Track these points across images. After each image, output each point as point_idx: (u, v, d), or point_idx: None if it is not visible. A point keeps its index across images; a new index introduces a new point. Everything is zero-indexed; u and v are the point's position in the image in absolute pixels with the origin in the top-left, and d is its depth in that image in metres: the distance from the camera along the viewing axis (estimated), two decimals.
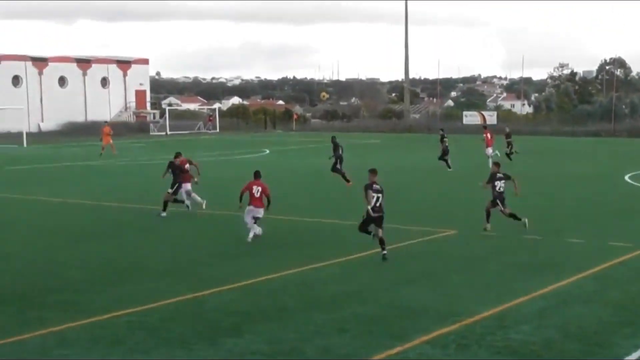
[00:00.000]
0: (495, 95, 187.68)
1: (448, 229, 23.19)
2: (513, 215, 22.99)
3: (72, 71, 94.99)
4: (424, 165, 44.39)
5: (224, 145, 65.97)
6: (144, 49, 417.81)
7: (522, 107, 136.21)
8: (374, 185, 19.75)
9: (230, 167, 45.94)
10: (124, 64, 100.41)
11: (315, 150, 60.84)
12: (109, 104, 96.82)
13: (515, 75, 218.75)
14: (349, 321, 13.88)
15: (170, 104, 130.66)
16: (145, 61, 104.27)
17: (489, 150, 45.25)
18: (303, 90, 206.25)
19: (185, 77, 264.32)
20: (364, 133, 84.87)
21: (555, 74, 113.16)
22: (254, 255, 19.92)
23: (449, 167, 42.06)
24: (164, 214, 26.18)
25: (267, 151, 59.08)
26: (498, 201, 22.97)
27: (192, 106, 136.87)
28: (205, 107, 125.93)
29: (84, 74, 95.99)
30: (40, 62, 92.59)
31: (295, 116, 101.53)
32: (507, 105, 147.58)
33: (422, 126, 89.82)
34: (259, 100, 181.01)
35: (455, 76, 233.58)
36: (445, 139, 43.65)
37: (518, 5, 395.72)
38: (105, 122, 64.68)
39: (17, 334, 13.11)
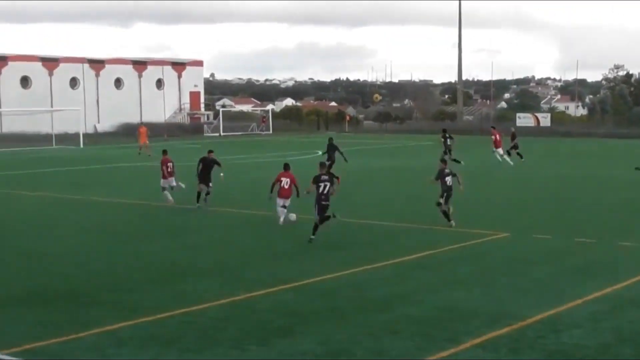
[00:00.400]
0: (549, 97, 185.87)
1: (500, 232, 23.04)
2: (446, 214, 24.09)
3: (128, 73, 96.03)
4: (476, 167, 44.12)
5: (276, 146, 66.17)
6: (199, 51, 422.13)
7: (576, 109, 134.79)
8: (322, 177, 22.28)
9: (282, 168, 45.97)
10: (179, 66, 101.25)
11: (367, 151, 60.80)
12: (163, 105, 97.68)
13: (570, 76, 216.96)
14: (400, 323, 13.87)
15: (224, 105, 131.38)
16: (199, 63, 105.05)
17: (500, 151, 45.74)
18: (356, 92, 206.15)
19: (239, 79, 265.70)
20: (416, 135, 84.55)
21: (610, 75, 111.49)
22: (306, 256, 19.99)
23: (459, 162, 43.31)
24: (197, 205, 28.44)
25: (320, 152, 59.09)
26: (445, 195, 24.22)
27: (246, 107, 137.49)
28: (259, 108, 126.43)
29: (140, 76, 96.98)
30: (97, 64, 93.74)
31: (347, 118, 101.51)
32: (561, 107, 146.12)
33: (475, 128, 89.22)
34: (312, 101, 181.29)
35: (509, 78, 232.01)
36: (448, 138, 45.49)
37: (574, 6, 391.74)
38: (141, 122, 65.25)
39: (73, 332, 13.30)
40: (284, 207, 24.57)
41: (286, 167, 25.27)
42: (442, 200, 23.89)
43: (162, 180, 30.11)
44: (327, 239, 22.50)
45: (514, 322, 13.77)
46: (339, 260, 19.23)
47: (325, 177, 22.33)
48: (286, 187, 24.64)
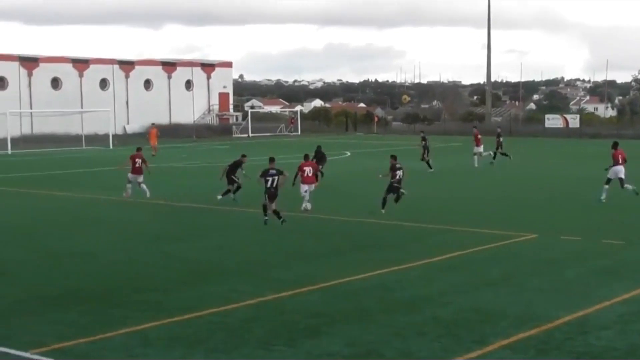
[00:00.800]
0: (578, 98, 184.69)
1: (528, 233, 22.94)
2: (385, 202, 27.44)
3: (157, 74, 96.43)
4: (504, 168, 43.97)
5: (305, 147, 66.09)
6: (228, 52, 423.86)
7: (605, 111, 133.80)
8: (270, 171, 25.01)
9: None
10: (208, 67, 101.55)
11: (395, 153, 60.67)
12: (192, 106, 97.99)
13: (599, 78, 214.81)
14: (428, 324, 13.85)
15: (252, 107, 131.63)
16: (228, 64, 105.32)
17: (479, 149, 46.87)
18: (384, 93, 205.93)
19: (268, 80, 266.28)
20: (445, 136, 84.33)
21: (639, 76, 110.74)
22: (333, 257, 20.00)
23: (430, 168, 43.99)
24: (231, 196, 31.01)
25: (348, 153, 59.17)
26: (395, 186, 27.69)
27: (274, 109, 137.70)
28: (287, 109, 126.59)
29: (169, 77, 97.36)
30: (127, 65, 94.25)
31: (376, 119, 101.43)
32: (590, 108, 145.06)
33: (504, 129, 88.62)
34: (340, 102, 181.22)
35: (538, 79, 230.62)
36: (425, 140, 46.73)
37: (603, 6, 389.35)
38: (153, 123, 65.96)
39: (101, 332, 13.40)
40: (306, 192, 28.32)
41: (306, 157, 29.93)
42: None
43: (129, 175, 32.73)
44: (355, 240, 22.53)
45: (542, 324, 13.71)
46: (367, 261, 19.23)
47: (274, 172, 25.02)
48: (310, 174, 28.77)
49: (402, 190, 28.27)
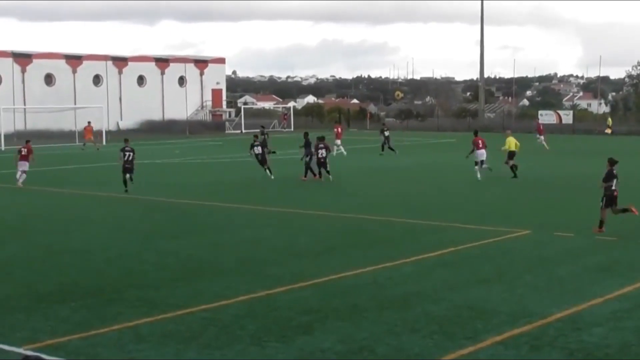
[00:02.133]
0: (571, 94, 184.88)
1: (521, 229, 22.98)
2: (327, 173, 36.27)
3: (150, 70, 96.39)
4: (498, 165, 43.95)
5: (297, 143, 66.12)
6: (223, 48, 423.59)
7: (598, 107, 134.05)
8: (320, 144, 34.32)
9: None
10: (201, 63, 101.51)
11: (388, 149, 60.72)
12: (185, 102, 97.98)
13: (593, 74, 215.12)
14: (420, 321, 13.87)
15: (245, 103, 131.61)
16: (221, 60, 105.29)
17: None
18: (377, 89, 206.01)
19: (261, 76, 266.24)
20: (438, 132, 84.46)
21: (633, 72, 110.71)
22: (326, 254, 20.02)
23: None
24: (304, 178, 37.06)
25: (381, 152, 59.11)
26: (323, 164, 36.03)
27: (268, 105, 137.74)
28: (280, 105, 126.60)
29: (162, 73, 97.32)
30: (120, 61, 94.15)
31: (369, 115, 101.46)
32: (583, 104, 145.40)
33: (497, 125, 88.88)
34: (333, 99, 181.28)
35: (531, 75, 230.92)
36: (385, 131, 52.80)
37: (597, 3, 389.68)
38: (89, 122, 66.94)
39: (94, 328, 13.40)
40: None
41: (321, 138, 37.36)
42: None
43: (19, 162, 36.29)
44: (350, 236, 22.55)
45: (534, 320, 13.74)
46: (360, 258, 19.24)
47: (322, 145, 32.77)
48: (324, 154, 36.53)
49: (328, 168, 36.43)
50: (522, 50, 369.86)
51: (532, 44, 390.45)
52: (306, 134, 40.20)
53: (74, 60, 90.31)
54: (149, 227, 24.50)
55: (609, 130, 79.32)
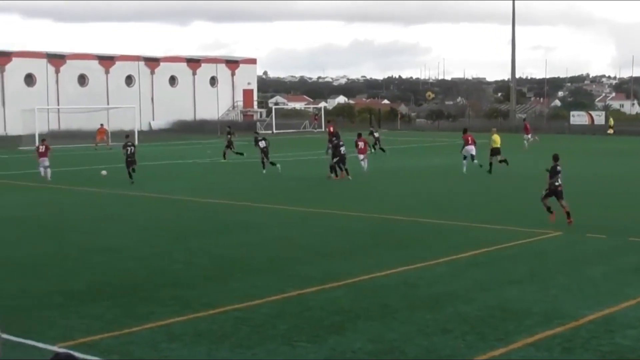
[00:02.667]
0: (604, 94, 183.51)
1: (554, 230, 22.85)
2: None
3: (182, 71, 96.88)
4: (529, 165, 43.74)
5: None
6: (255, 48, 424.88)
7: (631, 107, 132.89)
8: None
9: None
10: (233, 64, 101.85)
11: (419, 149, 60.63)
12: (217, 102, 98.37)
13: (625, 74, 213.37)
14: (452, 321, 13.83)
15: (276, 103, 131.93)
16: (253, 61, 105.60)
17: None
18: (408, 90, 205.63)
19: (292, 77, 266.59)
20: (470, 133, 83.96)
21: None
22: (359, 254, 20.01)
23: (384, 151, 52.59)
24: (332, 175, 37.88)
25: (372, 150, 59.04)
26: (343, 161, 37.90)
27: (298, 105, 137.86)
28: (311, 106, 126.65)
29: (194, 74, 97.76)
30: (152, 62, 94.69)
31: (399, 115, 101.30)
32: (616, 105, 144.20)
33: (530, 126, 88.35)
34: (364, 99, 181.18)
35: (562, 75, 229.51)
36: (375, 133, 54.43)
37: (630, 3, 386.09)
38: (101, 124, 68.16)
39: (127, 327, 13.49)
40: (363, 160, 40.34)
41: (360, 135, 41.89)
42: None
43: (39, 160, 38.75)
44: (381, 236, 22.53)
45: (567, 322, 13.66)
46: (392, 258, 19.22)
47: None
48: (362, 147, 40.90)
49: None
50: (554, 51, 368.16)
51: (564, 44, 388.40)
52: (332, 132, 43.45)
53: (106, 60, 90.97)
54: (180, 226, 24.61)
55: (610, 131, 79.33)
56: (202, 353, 12.22)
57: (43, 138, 44.02)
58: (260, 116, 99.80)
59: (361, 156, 40.74)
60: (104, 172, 39.24)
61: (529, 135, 61.29)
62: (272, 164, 40.62)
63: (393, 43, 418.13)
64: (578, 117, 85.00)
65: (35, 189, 35.38)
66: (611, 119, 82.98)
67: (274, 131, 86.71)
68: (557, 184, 24.10)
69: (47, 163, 38.62)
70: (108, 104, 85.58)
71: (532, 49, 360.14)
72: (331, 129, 56.61)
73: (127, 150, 37.97)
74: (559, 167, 24.32)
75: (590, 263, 18.86)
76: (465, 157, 40.44)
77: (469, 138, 40.90)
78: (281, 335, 13.06)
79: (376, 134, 55.22)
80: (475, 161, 40.15)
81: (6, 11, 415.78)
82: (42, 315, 14.41)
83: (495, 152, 40.76)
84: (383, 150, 53.08)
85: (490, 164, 40.07)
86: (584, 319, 13.86)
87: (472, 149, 40.50)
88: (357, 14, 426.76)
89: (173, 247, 21.13)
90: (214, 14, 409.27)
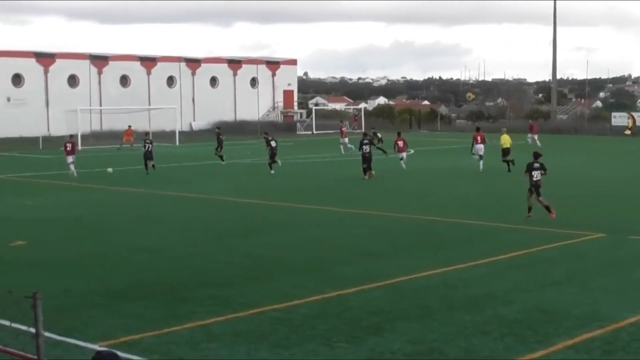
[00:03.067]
0: None
1: (595, 232, 22.67)
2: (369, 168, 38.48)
3: (223, 72, 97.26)
4: (570, 166, 43.46)
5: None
6: (296, 49, 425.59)
7: None
8: (534, 164, 25.66)
9: (374, 165, 46.05)
10: (273, 65, 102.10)
11: (459, 150, 60.36)
12: (257, 103, 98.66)
13: None
14: (491, 323, 13.78)
15: (316, 104, 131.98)
16: (293, 62, 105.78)
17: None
18: (449, 91, 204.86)
19: (332, 77, 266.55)
20: (509, 134, 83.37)
21: None
22: (398, 255, 20.01)
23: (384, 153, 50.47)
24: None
25: (412, 151, 58.93)
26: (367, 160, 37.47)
27: (338, 106, 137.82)
28: (351, 106, 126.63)
29: (234, 75, 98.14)
30: (193, 63, 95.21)
31: (440, 116, 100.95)
32: None
33: (569, 127, 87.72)
34: (404, 100, 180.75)
35: (604, 76, 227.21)
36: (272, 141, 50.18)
37: None
38: (129, 125, 69.02)
39: (167, 326, 13.61)
40: (402, 158, 42.20)
41: (400, 134, 43.73)
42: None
43: (66, 157, 41.84)
44: (420, 237, 22.51)
45: (607, 324, 13.55)
46: (430, 259, 19.20)
47: (537, 165, 25.63)
48: (402, 145, 42.20)
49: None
50: (596, 51, 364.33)
51: (606, 45, 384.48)
52: (364, 134, 44.83)
53: (148, 62, 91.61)
54: (220, 226, 24.75)
55: (628, 132, 78.94)
56: (241, 353, 12.29)
57: (71, 134, 47.97)
58: (301, 117, 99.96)
59: (401, 155, 42.14)
60: (109, 170, 42.62)
61: (535, 136, 62.98)
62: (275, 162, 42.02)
63: (434, 44, 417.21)
64: (620, 119, 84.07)
65: (77, 189, 35.76)
66: (629, 120, 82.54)
67: (314, 132, 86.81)
68: (535, 179, 25.35)
69: (70, 160, 41.61)
70: (149, 104, 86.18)
71: (574, 50, 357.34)
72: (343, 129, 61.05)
73: (146, 146, 43.15)
74: (535, 164, 25.51)
75: (631, 265, 18.70)
76: (480, 157, 42.08)
77: (479, 137, 42.73)
78: (320, 336, 13.10)
79: (379, 135, 57.18)
80: (481, 160, 41.93)
81: (52, 13, 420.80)
82: (84, 314, 14.59)
83: (505, 152, 41.89)
84: (384, 152, 51.37)
85: (509, 162, 40.87)
86: (625, 321, 13.75)
87: (481, 149, 42.14)
88: (399, 15, 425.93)
89: (213, 247, 21.27)
90: (257, 16, 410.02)
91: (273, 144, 42.38)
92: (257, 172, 43.24)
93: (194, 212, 28.24)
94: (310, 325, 13.71)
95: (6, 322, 9.61)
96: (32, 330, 7.70)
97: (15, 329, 9.09)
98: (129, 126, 68.85)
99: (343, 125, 65.74)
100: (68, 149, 41.86)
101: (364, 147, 38.82)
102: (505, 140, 42.26)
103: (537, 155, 25.74)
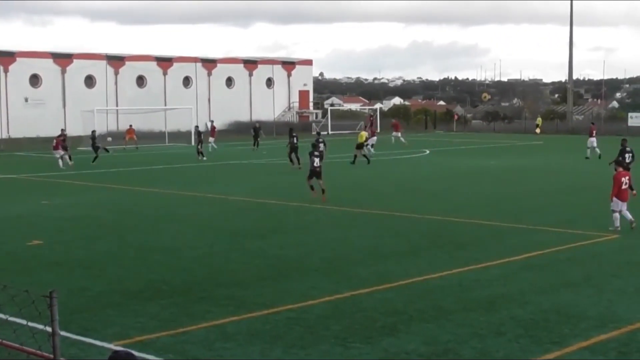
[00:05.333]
0: None
1: (610, 233, 22.61)
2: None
3: (239, 72, 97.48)
4: (585, 167, 43.32)
5: (384, 145, 66.12)
6: (314, 50, 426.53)
7: None
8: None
9: (389, 166, 46.09)
10: (289, 65, 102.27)
11: (475, 151, 60.31)
12: (273, 103, 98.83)
13: None
14: (506, 324, 13.78)
15: (332, 104, 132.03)
16: (309, 62, 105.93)
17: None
18: (464, 91, 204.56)
19: (348, 78, 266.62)
20: (525, 134, 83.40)
21: None
22: (411, 255, 20.01)
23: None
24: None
25: (427, 151, 58.95)
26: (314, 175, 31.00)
27: (354, 106, 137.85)
28: (367, 107, 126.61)
29: (250, 75, 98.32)
30: (209, 63, 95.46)
31: (455, 117, 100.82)
32: None
33: (585, 128, 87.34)
34: (420, 100, 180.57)
35: (621, 77, 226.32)
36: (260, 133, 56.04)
37: None
38: (130, 125, 69.88)
39: (182, 326, 13.67)
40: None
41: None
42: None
43: (53, 152, 46.15)
44: (435, 238, 22.49)
45: (623, 326, 13.53)
46: (445, 260, 19.20)
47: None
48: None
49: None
50: (615, 52, 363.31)
51: (626, 45, 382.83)
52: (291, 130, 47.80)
53: (164, 62, 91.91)
54: (236, 227, 24.80)
55: (538, 130, 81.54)
56: (255, 353, 12.33)
57: (62, 128, 52.35)
58: (316, 117, 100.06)
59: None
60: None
61: (398, 133, 66.68)
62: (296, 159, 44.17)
63: (452, 44, 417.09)
64: (636, 119, 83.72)
65: (94, 189, 35.91)
66: (539, 118, 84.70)
67: (329, 132, 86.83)
68: (315, 165, 29.89)
69: (57, 155, 45.42)
70: (165, 104, 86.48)
71: (593, 50, 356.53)
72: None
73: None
74: (316, 152, 30.67)
75: None
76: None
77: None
78: (334, 336, 13.12)
79: (262, 136, 61.04)
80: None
81: (75, 14, 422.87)
82: (100, 313, 14.66)
83: (359, 146, 46.77)
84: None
85: (355, 156, 45.74)
86: None
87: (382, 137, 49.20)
88: (417, 15, 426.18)
89: (229, 247, 21.33)
90: (276, 16, 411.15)
91: (295, 140, 44.31)
92: (273, 172, 43.32)
93: (211, 212, 28.30)
94: (324, 325, 13.74)
95: (23, 322, 9.65)
96: (49, 329, 7.74)
97: (31, 328, 9.13)
98: (130, 125, 69.22)
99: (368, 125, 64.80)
100: (54, 144, 45.93)
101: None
102: (362, 135, 48.31)
103: (359, 146, 29.81)
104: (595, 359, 12.02)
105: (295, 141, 45.03)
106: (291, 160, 44.84)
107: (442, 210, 27.52)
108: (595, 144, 50.02)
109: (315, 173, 30.48)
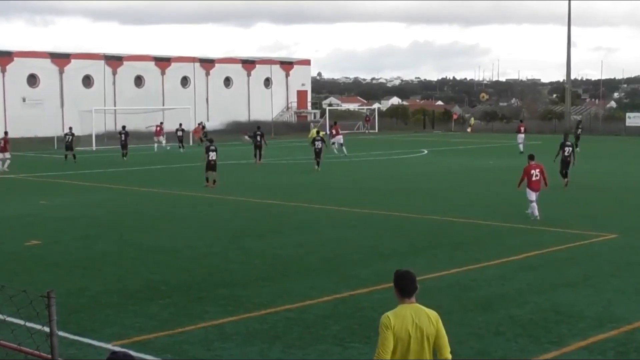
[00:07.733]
0: None
1: (609, 233, 22.63)
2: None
3: (237, 72, 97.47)
4: (583, 167, 43.31)
5: (382, 145, 66.18)
6: (315, 50, 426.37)
7: None
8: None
9: (387, 166, 46.09)
10: (287, 65, 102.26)
11: (473, 150, 60.32)
12: (271, 103, 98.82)
13: None
14: (504, 324, 13.79)
15: (330, 104, 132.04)
16: (307, 62, 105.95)
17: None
18: (463, 91, 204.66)
19: (346, 78, 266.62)
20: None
21: None
22: (410, 255, 20.01)
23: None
24: None
25: (425, 151, 58.95)
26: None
27: (352, 106, 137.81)
28: (365, 107, 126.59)
29: (248, 75, 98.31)
30: (207, 63, 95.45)
31: (454, 116, 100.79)
32: None
33: (583, 128, 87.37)
34: (418, 100, 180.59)
35: (619, 77, 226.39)
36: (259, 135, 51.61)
37: None
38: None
39: (181, 326, 13.67)
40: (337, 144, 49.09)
41: (336, 123, 50.15)
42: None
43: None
44: (434, 238, 22.49)
45: (621, 325, 13.54)
46: (444, 260, 19.20)
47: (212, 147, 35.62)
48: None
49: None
50: (616, 52, 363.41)
51: (626, 46, 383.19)
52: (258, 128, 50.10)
53: (162, 62, 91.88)
54: (235, 227, 24.80)
55: (469, 129, 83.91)
56: (254, 353, 12.33)
57: (6, 131, 49.88)
58: (314, 117, 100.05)
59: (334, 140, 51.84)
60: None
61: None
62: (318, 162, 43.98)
63: (452, 44, 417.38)
64: (634, 119, 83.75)
65: (92, 189, 35.89)
66: (472, 118, 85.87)
67: (328, 132, 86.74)
68: (210, 158, 34.32)
69: (3, 156, 45.47)
70: (163, 104, 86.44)
71: (593, 50, 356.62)
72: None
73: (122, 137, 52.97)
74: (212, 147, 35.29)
75: None
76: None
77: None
78: (333, 336, 13.13)
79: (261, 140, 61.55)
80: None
81: (77, 14, 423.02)
82: (99, 313, 14.65)
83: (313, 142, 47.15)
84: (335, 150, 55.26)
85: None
86: (639, 322, 13.73)
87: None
88: (419, 15, 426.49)
89: (228, 247, 21.32)
90: (277, 16, 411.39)
91: (316, 142, 45.07)
92: (273, 172, 43.29)
93: (208, 212, 28.30)
94: (323, 325, 13.74)
95: (21, 322, 9.65)
96: (47, 329, 7.74)
97: (29, 328, 9.13)
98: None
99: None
100: (1, 145, 45.56)
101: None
102: (313, 133, 50.99)
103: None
104: (593, 359, 12.03)
105: (259, 139, 48.37)
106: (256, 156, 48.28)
107: (441, 210, 27.52)
108: (522, 140, 56.87)
109: (210, 166, 35.83)
